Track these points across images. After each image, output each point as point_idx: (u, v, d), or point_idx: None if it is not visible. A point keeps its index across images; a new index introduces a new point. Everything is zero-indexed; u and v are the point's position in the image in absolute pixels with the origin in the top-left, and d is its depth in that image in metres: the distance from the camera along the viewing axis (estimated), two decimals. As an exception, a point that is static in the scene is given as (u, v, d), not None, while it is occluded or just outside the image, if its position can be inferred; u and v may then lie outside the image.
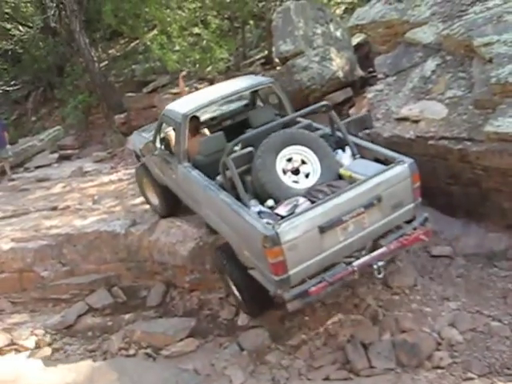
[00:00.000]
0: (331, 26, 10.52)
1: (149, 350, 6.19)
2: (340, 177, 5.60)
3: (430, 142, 6.16)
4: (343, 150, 5.88)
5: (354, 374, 5.05)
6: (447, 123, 6.10)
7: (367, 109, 7.97)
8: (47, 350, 6.61)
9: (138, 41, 17.38)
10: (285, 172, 5.55)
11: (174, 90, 13.27)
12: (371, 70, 10.12)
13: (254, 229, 4.90)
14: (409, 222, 5.47)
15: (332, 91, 10.00)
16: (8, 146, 13.17)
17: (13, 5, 17.92)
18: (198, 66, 12.29)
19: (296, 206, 5.15)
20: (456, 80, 6.37)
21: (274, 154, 5.52)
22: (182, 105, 6.83)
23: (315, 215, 4.88)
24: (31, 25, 18.06)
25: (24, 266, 8.04)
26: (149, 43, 14.20)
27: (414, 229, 5.34)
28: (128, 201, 9.07)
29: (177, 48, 12.20)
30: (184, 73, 9.45)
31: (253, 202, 5.49)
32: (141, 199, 8.66)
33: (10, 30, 18.27)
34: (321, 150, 5.62)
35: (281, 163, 5.54)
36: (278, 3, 12.55)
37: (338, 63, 10.04)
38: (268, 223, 4.87)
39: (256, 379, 5.23)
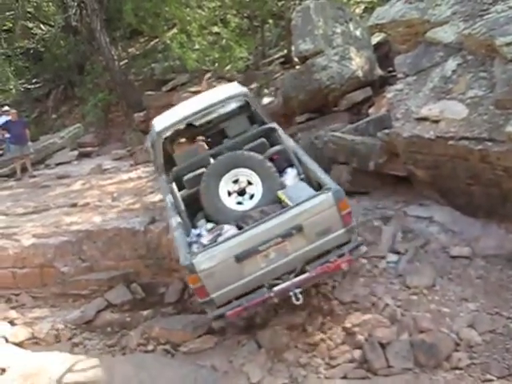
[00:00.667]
0: (351, 25, 10.49)
1: (167, 346, 6.23)
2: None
3: (450, 142, 6.11)
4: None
5: (371, 373, 5.06)
6: (468, 123, 6.04)
7: (387, 108, 7.95)
8: (67, 345, 6.70)
9: (157, 39, 17.49)
10: (230, 193, 5.84)
11: (193, 89, 13.37)
12: (391, 69, 10.07)
13: (180, 255, 5.30)
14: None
15: (351, 90, 9.98)
16: (29, 143, 13.39)
17: (35, 4, 18.12)
18: (217, 64, 12.35)
19: (219, 234, 5.43)
20: (477, 80, 6.31)
21: (218, 178, 5.82)
22: (162, 121, 7.16)
23: (230, 246, 5.15)
24: (53, 24, 18.24)
25: (45, 261, 8.15)
26: (168, 42, 14.31)
27: (342, 255, 5.31)
28: (147, 198, 9.15)
29: (196, 47, 12.27)
30: (208, 75, 9.62)
31: (202, 222, 5.88)
32: (160, 196, 8.73)
33: (31, 28, 18.47)
34: (263, 172, 5.78)
35: (227, 185, 5.83)
36: (297, 2, 12.53)
37: (358, 62, 10.02)
38: (189, 252, 5.23)
39: (274, 377, 5.25)
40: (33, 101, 19.06)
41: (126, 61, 17.70)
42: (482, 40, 6.19)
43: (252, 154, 5.93)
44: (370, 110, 9.34)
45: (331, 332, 5.67)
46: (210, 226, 5.75)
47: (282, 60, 13.12)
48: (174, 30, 14.52)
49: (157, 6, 13.11)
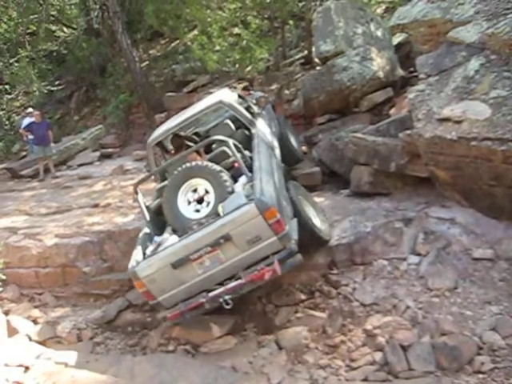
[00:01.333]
0: (372, 26, 10.47)
1: (187, 347, 6.25)
2: None
3: (473, 142, 6.05)
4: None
5: (392, 376, 5.02)
6: (491, 124, 5.97)
7: (408, 109, 7.89)
8: (89, 344, 6.76)
9: (178, 41, 17.56)
10: (190, 202, 6.16)
11: (214, 90, 13.40)
12: (412, 69, 10.02)
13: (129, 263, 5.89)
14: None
15: (372, 91, 9.95)
16: (52, 145, 13.55)
17: (58, 7, 18.34)
18: (237, 66, 12.36)
19: (159, 245, 5.88)
20: (500, 80, 6.23)
21: (176, 189, 6.16)
22: (156, 131, 7.83)
23: (165, 255, 5.61)
24: (75, 26, 18.46)
25: (67, 261, 8.24)
26: (189, 43, 14.39)
27: (271, 263, 5.40)
28: (168, 199, 9.17)
29: (217, 48, 12.30)
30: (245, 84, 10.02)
31: (168, 229, 6.30)
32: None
33: (55, 31, 18.69)
34: (215, 181, 6.00)
35: (187, 195, 6.18)
36: (318, 3, 12.51)
37: (379, 63, 9.98)
38: (136, 261, 5.78)
39: (294, 378, 5.23)
40: (55, 102, 19.28)
41: (147, 62, 17.80)
42: (506, 39, 6.13)
43: (205, 164, 6.16)
44: (391, 111, 9.29)
45: (352, 334, 5.66)
46: (166, 235, 6.15)
47: (302, 61, 13.09)
48: (195, 32, 14.59)
49: (178, 8, 13.18)
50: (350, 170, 8.23)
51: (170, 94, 15.34)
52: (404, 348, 5.20)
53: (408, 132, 7.09)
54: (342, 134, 9.05)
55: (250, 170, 6.05)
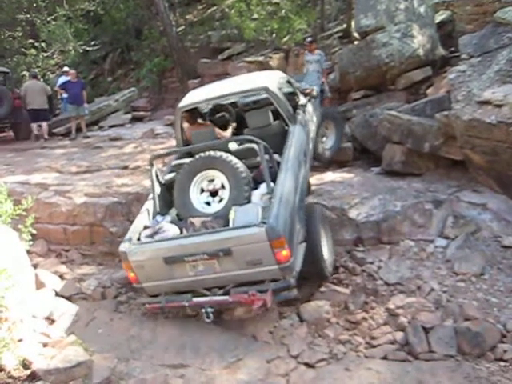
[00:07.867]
0: (415, 2, 10.19)
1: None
2: None
3: (513, 128, 5.92)
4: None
5: (412, 357, 4.99)
6: (533, 110, 5.83)
7: (446, 90, 7.74)
8: (113, 303, 6.87)
9: (215, 7, 17.42)
10: (203, 191, 5.89)
11: (249, 59, 13.29)
12: (453, 49, 9.78)
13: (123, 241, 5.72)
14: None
15: (411, 69, 9.77)
16: (85, 105, 13.66)
17: (97, -34, 18.27)
18: (274, 35, 12.22)
19: (156, 233, 5.66)
20: (546, 65, 6.07)
21: (191, 175, 5.86)
22: (188, 97, 7.17)
23: (158, 248, 5.41)
24: (113, -14, 18.41)
25: (95, 220, 8.31)
26: (227, 10, 14.25)
27: (265, 291, 5.11)
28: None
29: (255, 16, 12.16)
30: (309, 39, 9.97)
31: (173, 211, 6.11)
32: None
33: (93, -10, 18.68)
34: (234, 181, 5.64)
35: (201, 183, 5.89)
36: (360, -25, 12.22)
37: (420, 41, 9.76)
38: (129, 240, 5.59)
39: (313, 351, 5.24)
40: (90, 63, 19.38)
41: (183, 27, 17.72)
42: (556, 23, 5.93)
43: (230, 159, 5.71)
44: (429, 91, 9.13)
45: (374, 312, 5.65)
46: (168, 218, 5.97)
47: (340, 34, 12.90)
48: (234, -1, 14.42)
49: (217, -26, 13.05)
50: (382, 148, 8.15)
51: (204, 60, 15.29)
52: (426, 330, 5.16)
53: (445, 113, 6.98)
54: (377, 110, 8.93)
55: (275, 177, 5.53)
